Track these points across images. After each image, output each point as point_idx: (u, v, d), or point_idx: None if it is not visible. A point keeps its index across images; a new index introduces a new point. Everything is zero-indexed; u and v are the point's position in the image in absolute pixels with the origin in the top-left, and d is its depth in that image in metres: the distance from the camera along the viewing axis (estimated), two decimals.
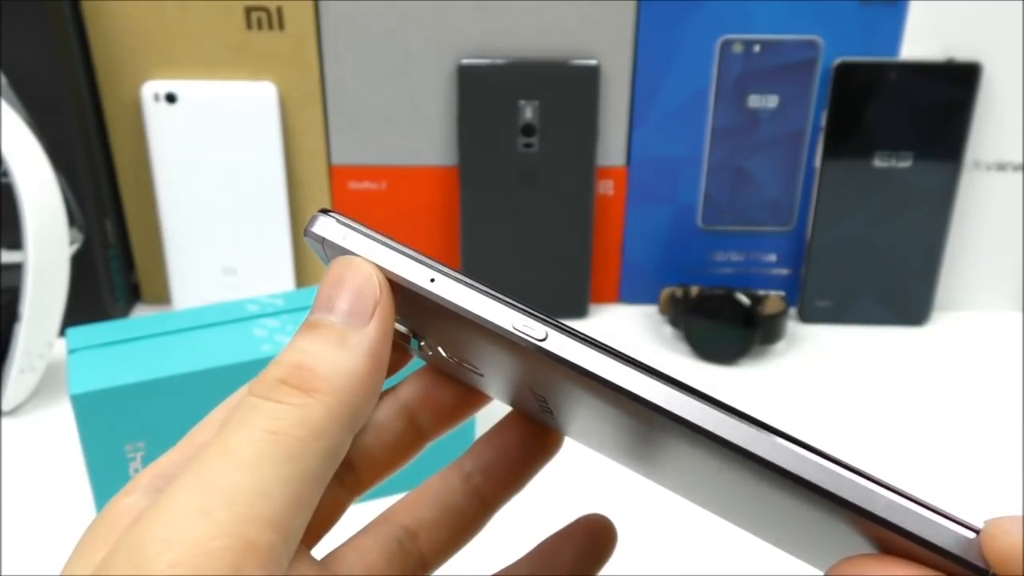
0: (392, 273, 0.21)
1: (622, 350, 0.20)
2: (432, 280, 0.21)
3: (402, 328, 0.24)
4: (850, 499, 0.18)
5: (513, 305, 0.20)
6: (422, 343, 0.24)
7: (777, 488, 0.19)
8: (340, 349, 0.20)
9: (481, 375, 0.24)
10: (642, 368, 0.19)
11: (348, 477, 0.25)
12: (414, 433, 0.25)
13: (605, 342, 0.20)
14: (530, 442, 0.26)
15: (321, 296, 0.21)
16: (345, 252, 0.21)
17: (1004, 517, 0.17)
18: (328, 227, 0.22)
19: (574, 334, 0.20)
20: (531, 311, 0.20)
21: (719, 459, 0.19)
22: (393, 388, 0.26)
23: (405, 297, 0.21)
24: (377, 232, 0.22)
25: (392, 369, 0.25)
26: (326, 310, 0.21)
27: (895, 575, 0.18)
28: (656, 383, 0.19)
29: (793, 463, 0.19)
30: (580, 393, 0.20)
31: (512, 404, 0.26)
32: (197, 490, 0.18)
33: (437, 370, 0.26)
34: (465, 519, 0.26)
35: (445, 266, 0.21)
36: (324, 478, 0.20)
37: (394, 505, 0.26)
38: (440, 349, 0.24)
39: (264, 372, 0.20)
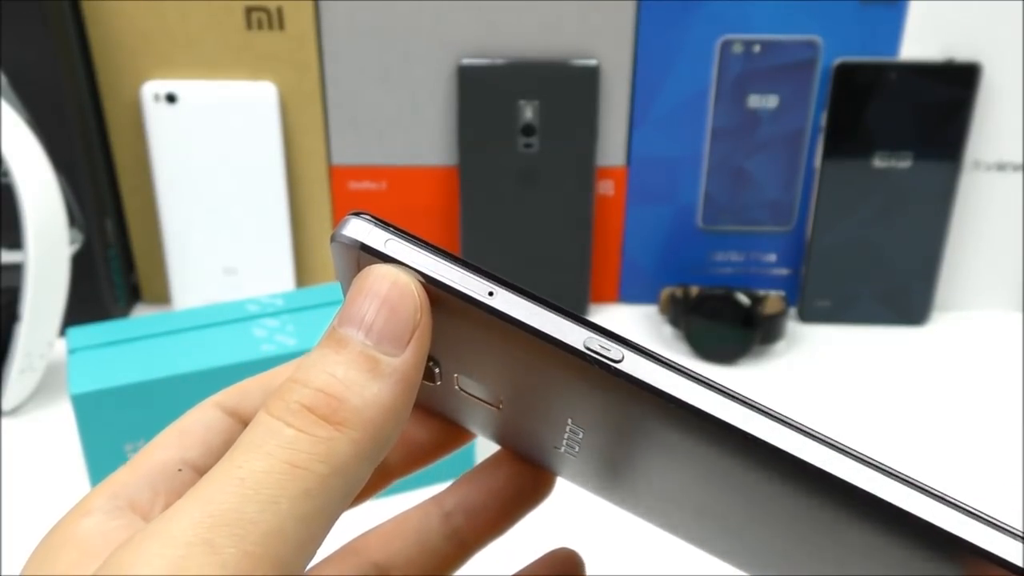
0: (445, 285, 0.18)
1: (706, 376, 0.18)
2: (491, 294, 0.18)
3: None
4: (982, 546, 0.16)
5: (584, 323, 0.18)
6: (437, 369, 0.22)
7: (857, 520, 0.17)
8: (372, 378, 0.18)
9: (497, 407, 0.22)
10: (734, 398, 0.18)
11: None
12: (380, 472, 0.24)
13: (687, 367, 0.18)
14: (520, 484, 0.25)
15: (353, 308, 0.19)
16: (389, 261, 0.19)
17: None
18: (364, 231, 0.19)
19: (654, 356, 0.18)
20: (605, 330, 0.18)
21: (811, 495, 0.18)
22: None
23: (444, 315, 0.19)
24: (417, 236, 0.19)
25: None
26: (357, 326, 0.18)
27: None
28: (753, 415, 0.17)
29: (922, 511, 0.17)
30: (647, 422, 0.19)
31: (511, 442, 0.24)
32: (203, 519, 0.16)
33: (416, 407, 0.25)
34: (441, 560, 0.25)
35: (500, 276, 0.19)
36: (337, 516, 0.18)
37: (366, 536, 0.25)
38: (457, 378, 0.22)
39: (285, 391, 0.18)
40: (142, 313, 0.68)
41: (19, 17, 0.56)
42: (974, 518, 0.17)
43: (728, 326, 0.62)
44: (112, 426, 0.43)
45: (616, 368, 0.18)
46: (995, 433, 0.56)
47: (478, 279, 0.18)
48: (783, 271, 0.68)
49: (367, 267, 0.19)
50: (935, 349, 0.65)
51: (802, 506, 0.18)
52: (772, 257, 0.68)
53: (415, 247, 0.19)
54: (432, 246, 0.19)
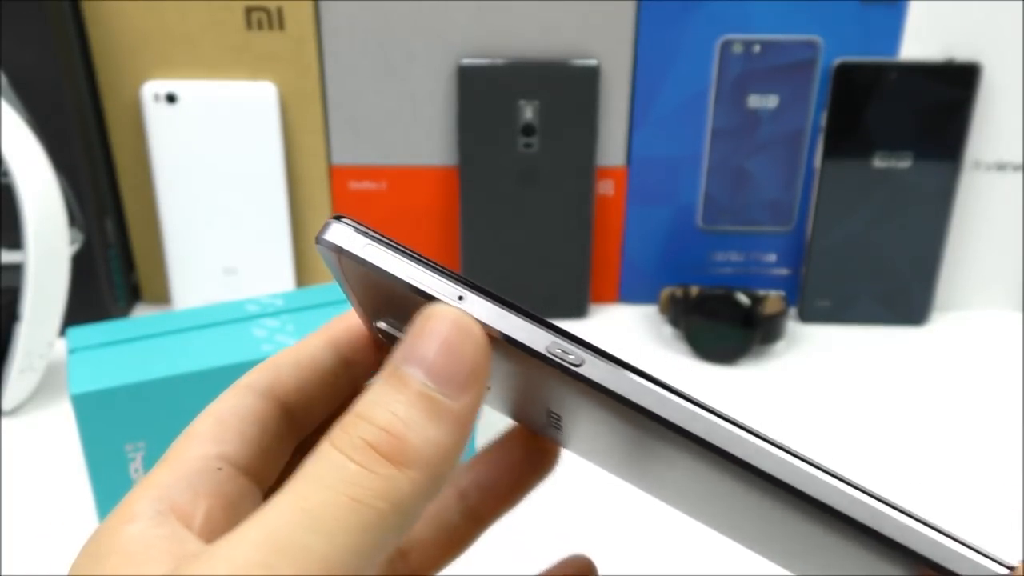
0: (418, 289, 0.20)
1: (662, 379, 0.19)
2: (460, 298, 0.20)
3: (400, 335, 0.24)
4: (894, 537, 0.18)
5: (548, 327, 0.19)
6: None
7: (805, 518, 0.19)
8: (433, 421, 0.19)
9: (488, 388, 0.23)
10: (683, 397, 0.19)
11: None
12: (469, 524, 0.26)
13: (645, 370, 0.19)
14: (530, 458, 0.26)
15: (415, 347, 0.19)
16: (364, 264, 0.20)
17: None
18: (344, 236, 0.20)
19: (612, 359, 0.19)
20: (567, 334, 0.20)
21: (748, 487, 0.19)
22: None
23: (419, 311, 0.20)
24: (396, 241, 0.20)
25: (361, 372, 0.25)
26: (421, 367, 0.19)
27: None
28: (701, 412, 0.19)
29: (840, 502, 0.18)
30: (611, 418, 0.20)
31: (514, 417, 0.25)
32: (265, 546, 0.17)
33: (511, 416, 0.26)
34: (457, 536, 0.26)
35: (472, 281, 0.20)
36: (390, 550, 0.19)
37: None
38: None
39: (349, 425, 0.19)
40: (142, 313, 0.68)
41: (19, 17, 0.56)
42: (921, 524, 0.18)
43: (728, 326, 0.62)
44: (112, 426, 0.43)
45: (576, 372, 0.19)
46: (995, 433, 0.56)
47: (449, 283, 0.20)
48: (783, 271, 0.68)
49: (432, 305, 0.19)
50: (935, 349, 0.65)
51: (752, 499, 0.19)
52: (772, 257, 0.68)
53: (391, 252, 0.20)
54: (408, 251, 0.20)
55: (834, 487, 0.18)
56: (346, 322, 0.25)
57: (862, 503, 0.18)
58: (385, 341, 0.23)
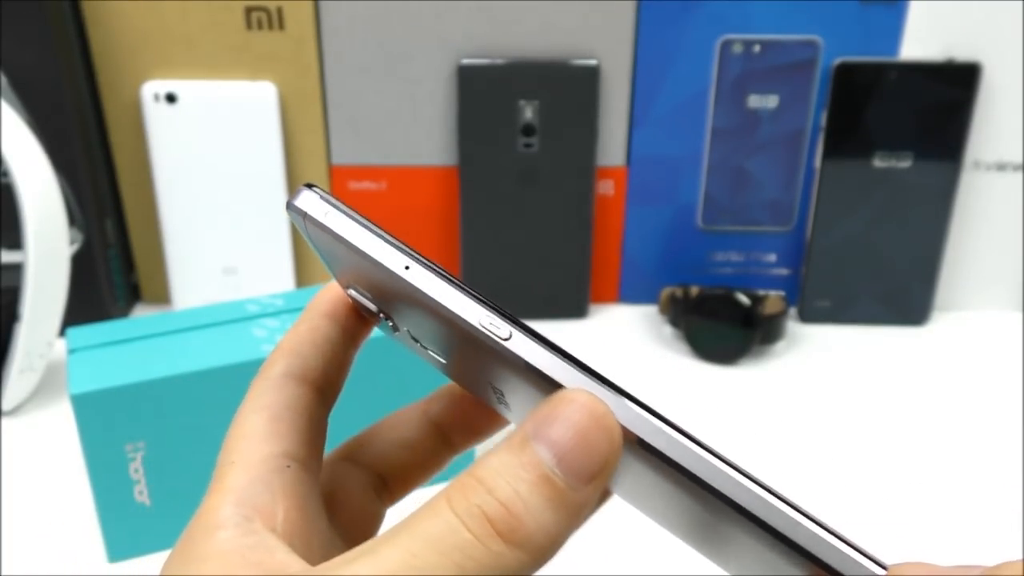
0: (368, 256, 0.21)
1: (579, 359, 0.20)
2: (407, 268, 0.20)
3: (371, 306, 0.24)
4: (777, 527, 0.19)
5: (482, 301, 0.20)
6: (390, 323, 0.24)
7: (713, 511, 0.20)
8: (552, 508, 0.19)
9: (443, 362, 0.24)
10: (597, 377, 0.20)
11: (384, 493, 0.26)
12: (445, 449, 0.27)
13: (566, 349, 0.20)
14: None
15: (551, 429, 0.19)
16: (325, 229, 0.21)
17: (913, 563, 0.19)
18: (310, 202, 0.21)
19: (538, 337, 0.20)
20: (499, 309, 0.20)
21: (646, 465, 0.20)
22: (421, 405, 0.27)
23: (379, 279, 0.21)
24: (358, 213, 0.21)
25: (357, 338, 0.26)
26: (553, 451, 0.19)
27: None
28: (610, 393, 0.20)
29: (733, 490, 0.19)
30: (536, 393, 0.21)
31: (472, 392, 0.26)
32: None
33: (464, 389, 0.26)
34: (435, 461, 0.27)
35: (420, 255, 0.21)
36: None
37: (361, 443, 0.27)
38: (407, 330, 0.24)
39: (470, 490, 0.19)
40: (142, 313, 0.68)
41: (19, 17, 0.56)
42: (813, 523, 0.19)
43: (728, 326, 0.62)
44: (112, 426, 0.43)
45: (503, 345, 0.20)
46: (995, 433, 0.56)
47: (398, 253, 0.21)
48: (783, 271, 0.68)
49: (572, 390, 0.19)
50: (935, 349, 0.65)
51: (657, 479, 0.20)
52: (772, 257, 0.68)
53: (350, 220, 0.21)
54: (365, 221, 0.21)
55: (731, 478, 0.19)
56: (330, 293, 0.25)
57: (761, 498, 0.19)
58: (360, 307, 0.25)
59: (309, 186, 0.22)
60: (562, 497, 0.19)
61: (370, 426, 0.27)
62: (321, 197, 0.21)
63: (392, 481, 0.26)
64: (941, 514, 0.50)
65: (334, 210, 0.21)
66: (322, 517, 0.23)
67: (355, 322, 0.25)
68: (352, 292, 0.24)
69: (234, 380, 0.44)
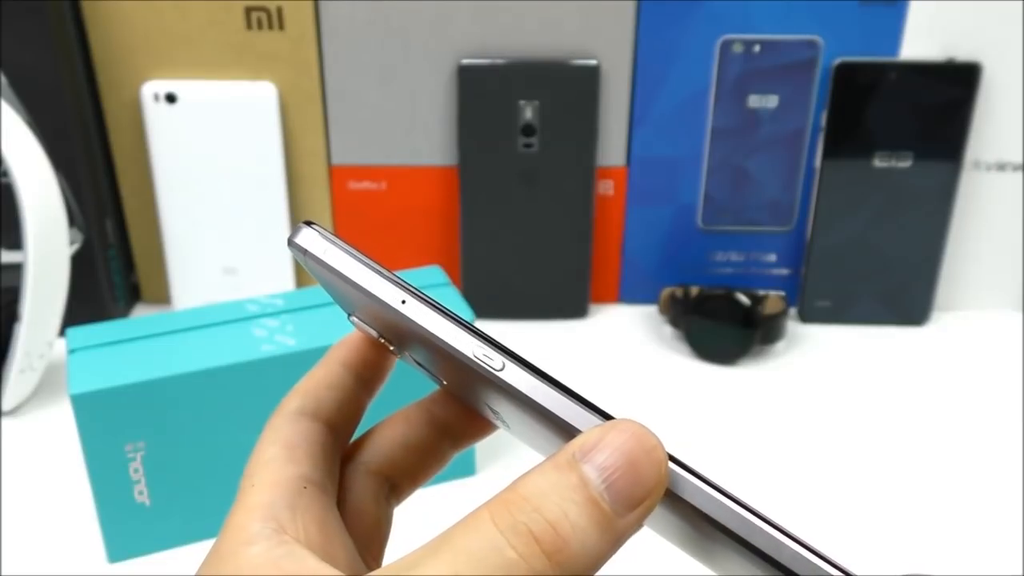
0: (366, 291, 0.22)
1: (571, 388, 0.21)
2: (403, 302, 0.22)
3: (374, 334, 0.25)
4: (760, 547, 0.20)
5: (476, 333, 0.21)
6: (392, 348, 0.26)
7: (697, 529, 0.20)
8: (598, 533, 0.19)
9: (444, 383, 0.26)
10: (584, 403, 0.21)
11: (392, 494, 0.27)
12: (450, 448, 0.27)
13: (558, 379, 0.21)
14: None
15: (605, 456, 0.19)
16: (325, 266, 0.22)
17: None
18: (310, 240, 0.23)
19: (531, 367, 0.21)
20: (492, 341, 0.21)
21: None
22: (425, 407, 0.27)
23: (378, 312, 0.22)
24: (357, 249, 0.22)
25: (372, 387, 0.27)
26: (602, 478, 0.19)
27: None
28: (596, 418, 0.20)
29: (715, 511, 0.20)
30: (531, 417, 0.22)
31: (473, 407, 0.27)
32: None
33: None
34: (438, 457, 0.27)
35: (416, 289, 0.22)
36: None
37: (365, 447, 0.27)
38: (409, 354, 0.25)
39: (515, 507, 0.19)
40: (142, 313, 0.68)
41: (19, 17, 0.56)
42: (787, 537, 0.19)
43: (728, 326, 0.62)
44: (112, 426, 0.43)
45: (496, 375, 0.21)
46: (995, 433, 0.56)
47: (394, 288, 0.22)
48: (783, 271, 0.68)
49: (626, 421, 0.20)
50: (935, 349, 0.65)
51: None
52: (772, 257, 0.68)
53: (348, 257, 0.22)
54: (364, 258, 0.22)
55: (709, 495, 0.20)
56: (349, 343, 0.27)
57: (738, 515, 0.20)
58: (363, 331, 0.26)
59: (308, 223, 0.23)
60: (608, 522, 0.19)
61: (372, 428, 0.27)
62: (320, 235, 0.22)
63: (399, 482, 0.27)
64: (941, 514, 0.50)
65: (333, 247, 0.22)
66: (344, 534, 0.24)
67: (370, 372, 0.27)
68: (356, 320, 0.25)
69: (234, 380, 0.44)
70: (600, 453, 0.19)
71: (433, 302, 0.22)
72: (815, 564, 0.19)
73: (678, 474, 0.20)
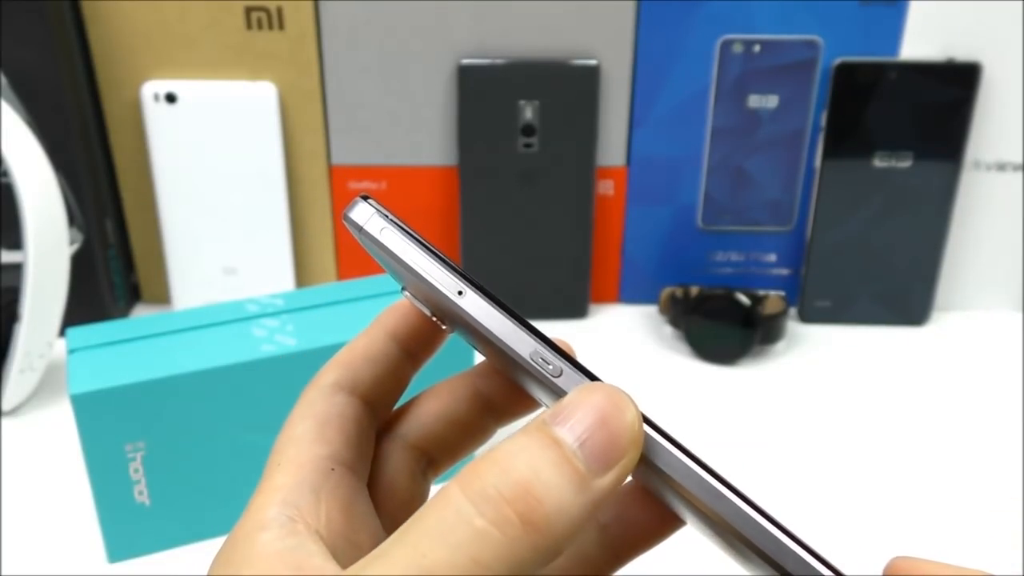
0: (422, 278, 0.21)
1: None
2: (460, 293, 0.21)
3: (425, 311, 0.24)
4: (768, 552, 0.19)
5: (535, 333, 0.21)
6: (445, 327, 0.25)
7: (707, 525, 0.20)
8: (575, 492, 0.18)
9: (498, 368, 0.25)
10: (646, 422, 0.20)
11: (429, 470, 0.26)
12: (493, 422, 0.26)
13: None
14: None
15: (573, 415, 0.19)
16: (380, 245, 0.22)
17: (919, 560, 0.20)
18: (366, 216, 0.22)
19: (590, 375, 0.20)
20: (550, 343, 0.20)
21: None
22: (470, 379, 0.26)
23: (432, 296, 0.22)
24: (413, 230, 0.22)
25: (418, 360, 0.26)
26: (574, 437, 0.18)
27: None
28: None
29: (744, 525, 0.19)
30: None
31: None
32: None
33: None
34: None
35: (474, 280, 0.21)
36: None
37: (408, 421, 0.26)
38: (461, 334, 0.24)
39: (484, 471, 0.18)
40: (142, 313, 0.68)
41: (19, 17, 0.56)
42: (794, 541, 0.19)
43: (728, 326, 0.62)
44: (112, 426, 0.43)
45: (553, 381, 0.20)
46: (995, 433, 0.56)
47: (452, 278, 0.21)
48: (783, 271, 0.68)
49: (598, 383, 0.20)
50: (935, 349, 0.65)
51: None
52: (772, 257, 0.68)
53: (406, 239, 0.21)
54: (422, 241, 0.21)
55: (720, 493, 0.20)
56: (398, 311, 0.25)
57: (745, 515, 0.19)
58: (415, 307, 0.25)
59: (365, 198, 0.22)
60: (584, 481, 0.18)
61: (412, 400, 0.26)
62: (377, 212, 0.22)
63: (437, 457, 0.26)
64: (941, 514, 0.50)
65: (390, 227, 0.22)
66: (372, 517, 0.23)
67: (418, 344, 0.25)
68: (407, 295, 0.24)
69: (234, 380, 0.44)
70: (571, 414, 0.19)
71: (492, 296, 0.21)
72: (778, 539, 0.19)
73: (653, 439, 0.20)
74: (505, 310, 0.21)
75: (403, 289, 0.24)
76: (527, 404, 0.26)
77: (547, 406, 0.23)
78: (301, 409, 0.24)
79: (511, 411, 0.26)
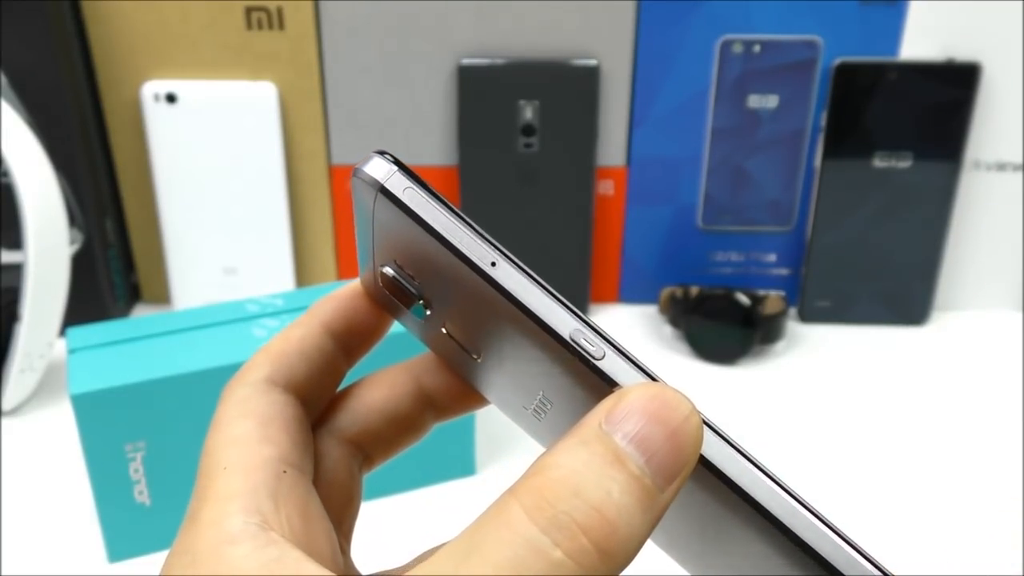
0: (451, 246, 0.18)
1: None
2: (493, 264, 0.18)
3: (410, 289, 0.21)
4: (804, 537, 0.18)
5: (574, 312, 0.18)
6: (428, 312, 0.22)
7: (749, 529, 0.18)
8: (643, 512, 0.17)
9: (474, 358, 0.22)
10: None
11: (364, 465, 0.24)
12: (433, 419, 0.24)
13: (658, 376, 0.19)
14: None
15: (641, 428, 0.17)
16: (402, 207, 0.18)
17: None
18: (385, 173, 0.19)
19: (631, 360, 0.18)
20: (591, 323, 0.18)
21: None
22: (411, 374, 0.24)
23: (447, 269, 0.19)
24: (438, 193, 0.19)
25: (353, 356, 0.24)
26: (642, 451, 0.17)
27: None
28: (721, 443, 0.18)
29: (799, 526, 0.18)
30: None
31: (484, 390, 0.24)
32: None
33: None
34: (416, 427, 0.25)
35: (507, 251, 0.18)
36: None
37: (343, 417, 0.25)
38: (440, 322, 0.22)
39: (549, 493, 0.16)
40: (142, 313, 0.68)
41: (19, 17, 0.56)
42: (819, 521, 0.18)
43: (728, 326, 0.62)
44: (112, 426, 0.43)
45: (595, 365, 0.18)
46: (995, 433, 0.56)
47: (485, 247, 0.18)
48: (783, 271, 0.68)
49: (658, 385, 0.18)
50: (935, 349, 0.65)
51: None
52: (772, 257, 0.68)
53: (432, 202, 0.18)
54: (447, 204, 0.19)
55: (763, 483, 0.18)
56: (335, 302, 0.24)
57: (791, 507, 0.18)
58: (381, 284, 0.22)
59: (381, 153, 0.19)
60: (651, 499, 0.17)
61: (347, 390, 0.25)
62: (399, 169, 0.19)
63: (372, 452, 0.24)
64: (941, 514, 0.50)
65: (414, 186, 0.19)
66: (325, 520, 0.21)
67: (354, 339, 0.24)
68: (388, 270, 0.21)
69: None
70: (635, 422, 0.17)
71: (527, 269, 0.18)
72: (856, 560, 0.17)
73: (715, 444, 0.18)
74: (541, 286, 0.18)
75: (383, 265, 0.21)
76: (471, 400, 0.25)
77: (548, 404, 0.22)
78: (234, 407, 0.21)
79: (453, 408, 0.25)
